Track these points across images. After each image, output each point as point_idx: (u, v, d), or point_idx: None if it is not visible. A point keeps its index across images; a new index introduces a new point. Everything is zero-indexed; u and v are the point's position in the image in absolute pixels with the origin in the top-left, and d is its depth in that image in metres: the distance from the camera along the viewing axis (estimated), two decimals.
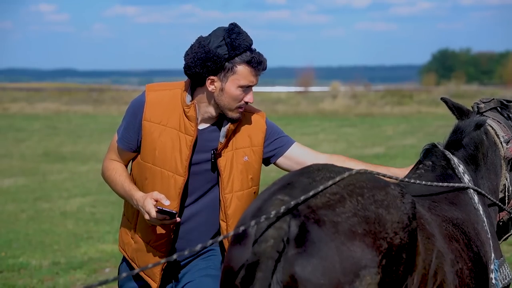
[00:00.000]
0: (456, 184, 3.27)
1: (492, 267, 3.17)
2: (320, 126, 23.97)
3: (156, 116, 3.50)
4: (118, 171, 3.62)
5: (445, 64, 69.18)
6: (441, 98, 3.86)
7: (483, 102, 3.76)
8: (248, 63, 3.40)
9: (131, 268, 3.63)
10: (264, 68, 3.47)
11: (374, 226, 2.50)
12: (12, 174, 14.17)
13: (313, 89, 38.12)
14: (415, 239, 2.63)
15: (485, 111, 3.71)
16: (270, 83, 49.86)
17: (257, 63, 3.42)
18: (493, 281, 3.16)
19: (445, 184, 3.24)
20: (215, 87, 3.44)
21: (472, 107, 3.78)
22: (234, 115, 3.48)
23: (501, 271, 3.25)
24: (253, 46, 3.44)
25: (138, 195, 3.47)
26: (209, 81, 3.44)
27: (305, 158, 3.60)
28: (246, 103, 3.48)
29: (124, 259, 3.72)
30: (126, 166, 3.68)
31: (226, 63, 3.40)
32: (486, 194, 3.41)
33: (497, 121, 3.66)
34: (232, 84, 3.42)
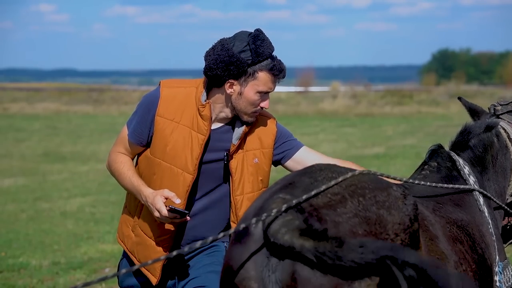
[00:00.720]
0: (462, 186, 3.26)
1: (496, 269, 3.16)
2: (320, 126, 23.97)
3: (169, 113, 3.51)
4: (127, 165, 3.61)
5: (445, 64, 69.20)
6: (459, 98, 3.84)
7: (501, 105, 3.73)
8: (270, 70, 3.44)
9: (131, 263, 3.63)
10: (284, 76, 3.51)
11: (375, 227, 2.49)
12: (12, 174, 14.16)
13: (313, 89, 38.15)
14: (417, 240, 2.62)
15: (501, 114, 3.70)
16: None
17: (278, 71, 3.46)
18: (497, 283, 3.15)
19: (450, 185, 3.23)
20: (233, 90, 3.46)
21: (489, 109, 3.77)
22: (249, 118, 3.52)
23: (505, 273, 3.24)
24: (274, 53, 3.48)
25: (147, 191, 3.46)
26: (228, 84, 3.46)
27: (313, 161, 3.52)
28: (262, 108, 3.51)
29: (124, 254, 3.71)
30: (132, 159, 3.68)
31: (248, 68, 3.43)
32: (493, 198, 3.39)
33: None
34: (251, 89, 3.45)
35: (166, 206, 3.36)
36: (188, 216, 3.43)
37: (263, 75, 3.44)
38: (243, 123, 3.53)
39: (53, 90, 38.87)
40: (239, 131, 3.53)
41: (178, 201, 3.39)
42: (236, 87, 3.46)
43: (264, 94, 3.49)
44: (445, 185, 3.21)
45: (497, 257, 3.19)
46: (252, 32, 3.48)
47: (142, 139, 3.56)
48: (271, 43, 3.48)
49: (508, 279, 3.26)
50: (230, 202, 3.54)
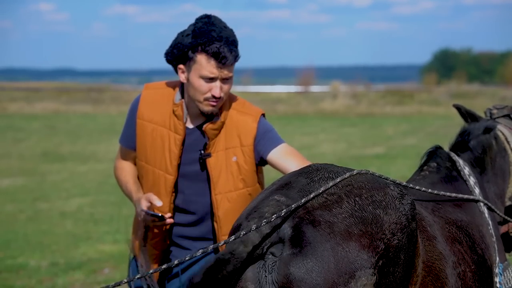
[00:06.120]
0: (465, 196, 3.25)
1: (496, 270, 3.15)
2: (320, 126, 23.98)
3: (148, 114, 3.50)
4: (124, 171, 3.64)
5: (446, 64, 69.20)
6: (454, 105, 3.84)
7: (496, 108, 3.77)
8: (207, 53, 3.32)
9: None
10: (229, 62, 3.35)
11: (371, 227, 2.48)
12: (10, 174, 14.14)
13: (314, 89, 38.15)
14: (415, 240, 2.61)
15: (497, 117, 3.72)
16: (270, 83, 49.89)
17: (216, 55, 3.32)
18: (498, 285, 3.15)
19: (453, 194, 3.21)
20: (184, 77, 3.42)
21: (485, 113, 3.79)
22: (205, 108, 3.40)
23: (505, 275, 3.24)
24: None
25: (136, 196, 3.50)
26: (180, 70, 3.42)
27: (281, 165, 3.43)
28: (214, 97, 3.37)
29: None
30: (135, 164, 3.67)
31: (189, 52, 3.35)
32: (496, 211, 3.37)
33: (509, 128, 3.65)
34: (195, 74, 3.36)
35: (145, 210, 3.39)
36: (168, 218, 3.43)
37: (202, 58, 3.33)
38: (202, 114, 3.43)
39: (52, 89, 38.87)
40: (205, 129, 3.44)
41: (159, 204, 3.38)
42: (186, 74, 3.40)
43: (210, 80, 3.35)
44: (448, 193, 3.19)
45: (497, 258, 3.19)
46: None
47: (131, 143, 3.57)
48: (223, 28, 3.35)
49: (508, 280, 3.25)
50: (211, 201, 3.49)
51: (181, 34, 3.40)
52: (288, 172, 3.36)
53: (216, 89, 3.35)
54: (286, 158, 3.43)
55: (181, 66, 3.41)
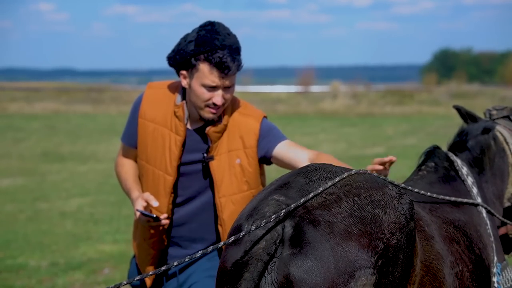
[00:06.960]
0: (465, 200, 3.25)
1: (494, 270, 3.16)
2: (320, 126, 23.96)
3: (149, 114, 3.51)
4: (125, 168, 3.65)
5: (446, 64, 69.14)
6: (454, 106, 3.85)
7: (496, 109, 3.78)
8: (210, 62, 3.31)
9: (138, 261, 3.68)
10: (234, 73, 3.35)
11: (370, 226, 2.48)
12: (10, 174, 14.13)
13: (313, 88, 38.12)
14: (413, 240, 2.61)
15: (497, 118, 3.73)
16: (270, 83, 49.87)
17: (219, 65, 3.31)
18: (496, 284, 3.15)
19: (453, 198, 3.21)
20: (186, 83, 3.43)
21: (485, 114, 3.80)
22: (205, 114, 3.41)
23: (504, 274, 3.24)
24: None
25: (134, 195, 3.50)
26: (182, 76, 3.43)
27: (289, 156, 3.43)
28: (215, 105, 3.38)
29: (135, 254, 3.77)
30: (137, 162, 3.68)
31: (192, 59, 3.35)
32: (496, 215, 3.37)
33: (508, 129, 3.66)
34: (196, 81, 3.37)
35: (138, 211, 3.39)
36: (163, 220, 3.42)
37: (205, 67, 3.33)
38: (202, 119, 3.44)
39: (52, 89, 38.84)
40: (208, 132, 3.45)
41: (156, 204, 3.37)
42: (188, 80, 3.41)
43: (212, 88, 3.36)
44: (447, 198, 3.19)
45: (495, 258, 3.19)
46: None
47: (132, 142, 3.58)
48: (227, 36, 3.34)
49: (506, 280, 3.26)
50: (215, 204, 3.49)
51: (184, 40, 3.39)
52: (298, 163, 3.37)
53: (218, 97, 3.36)
54: (295, 149, 3.43)
55: (183, 72, 3.41)
